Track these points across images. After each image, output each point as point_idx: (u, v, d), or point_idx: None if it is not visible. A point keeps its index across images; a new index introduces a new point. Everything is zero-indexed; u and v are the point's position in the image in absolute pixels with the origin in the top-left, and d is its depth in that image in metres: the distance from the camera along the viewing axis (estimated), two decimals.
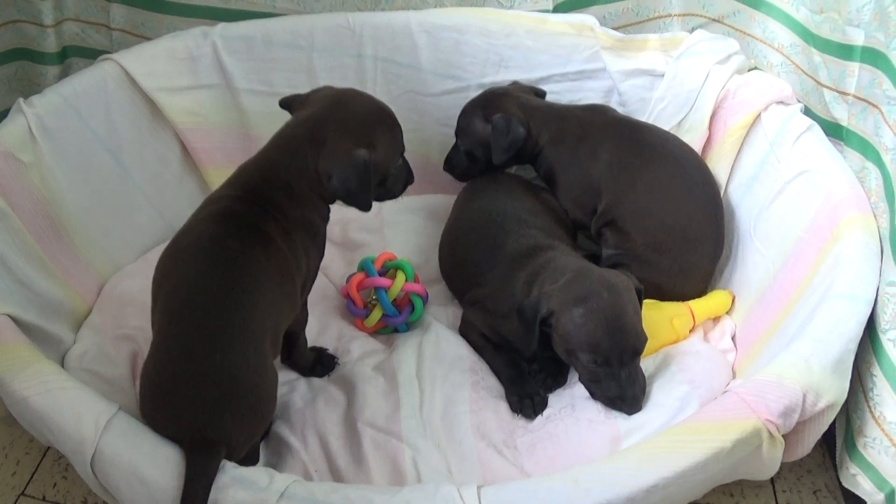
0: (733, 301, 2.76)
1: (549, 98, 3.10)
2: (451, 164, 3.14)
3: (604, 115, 2.96)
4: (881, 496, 2.18)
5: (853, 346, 2.15)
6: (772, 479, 2.55)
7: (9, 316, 2.26)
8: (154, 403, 2.04)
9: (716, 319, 2.78)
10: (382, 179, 2.38)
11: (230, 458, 1.99)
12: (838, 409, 2.14)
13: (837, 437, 2.40)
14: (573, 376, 2.55)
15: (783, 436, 2.07)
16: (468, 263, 2.77)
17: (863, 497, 2.27)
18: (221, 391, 2.00)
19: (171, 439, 1.97)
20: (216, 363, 2.00)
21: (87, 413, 1.95)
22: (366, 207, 2.29)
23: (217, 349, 2.01)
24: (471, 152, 3.03)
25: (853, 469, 2.28)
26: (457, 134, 3.06)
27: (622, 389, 2.38)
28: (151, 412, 2.04)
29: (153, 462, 1.90)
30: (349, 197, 2.25)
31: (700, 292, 2.80)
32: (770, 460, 2.08)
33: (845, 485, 2.33)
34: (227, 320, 2.04)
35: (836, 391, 2.08)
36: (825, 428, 2.18)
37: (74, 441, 1.94)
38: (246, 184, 2.28)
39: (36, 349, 2.17)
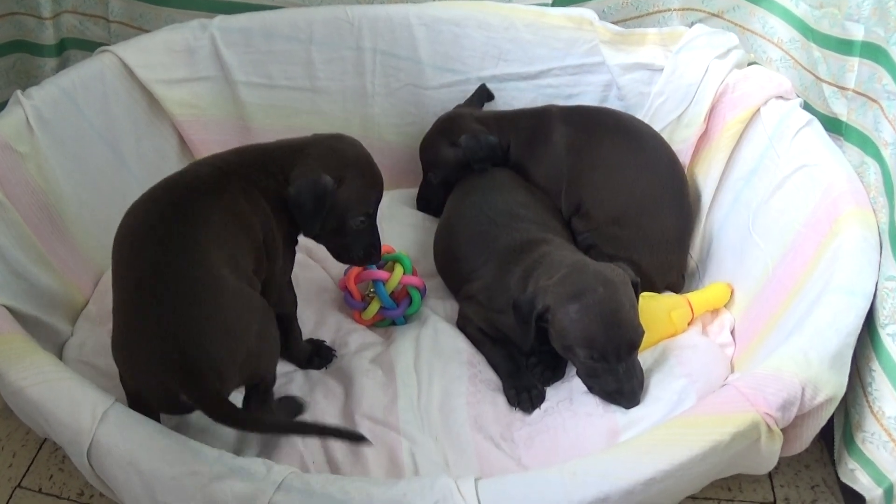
0: (733, 294, 2.76)
1: (548, 92, 3.15)
2: (426, 201, 3.22)
3: (555, 106, 3.05)
4: (879, 491, 2.18)
5: (852, 341, 2.14)
6: (770, 474, 2.54)
7: (5, 307, 2.26)
8: (129, 347, 2.09)
9: (715, 312, 2.78)
10: (340, 223, 2.42)
11: (227, 388, 2.08)
12: (837, 403, 2.13)
13: (836, 432, 2.39)
14: (571, 370, 2.54)
15: (782, 431, 2.07)
16: (462, 258, 2.77)
17: (861, 492, 2.27)
18: (183, 315, 2.02)
19: (162, 383, 1.99)
20: (170, 290, 2.03)
21: (84, 404, 1.95)
22: (308, 229, 2.39)
23: (168, 279, 2.05)
24: (446, 180, 3.08)
25: (851, 464, 2.27)
26: (427, 169, 3.12)
27: (620, 384, 2.37)
28: (130, 359, 2.10)
29: (149, 453, 1.89)
30: (298, 211, 2.32)
31: (676, 265, 2.85)
32: (768, 454, 2.07)
33: (844, 480, 2.32)
34: (171, 249, 2.09)
35: (834, 385, 2.07)
36: (823, 423, 2.17)
37: (71, 431, 1.93)
38: (224, 157, 2.38)
39: (32, 340, 2.17)
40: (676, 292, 2.86)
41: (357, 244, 2.46)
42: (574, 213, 2.91)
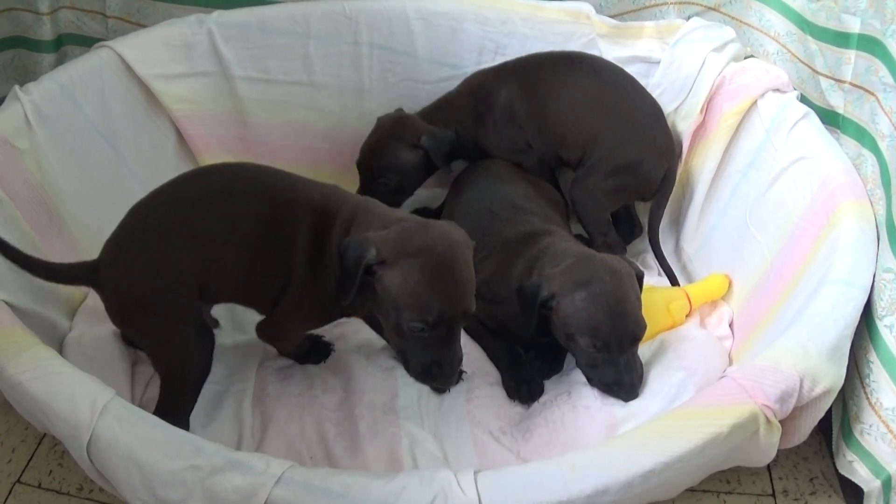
0: (731, 287, 2.77)
1: None
2: None
3: (479, 73, 3.09)
4: (877, 483, 2.19)
5: (850, 332, 2.15)
6: (768, 466, 2.54)
7: (4, 302, 2.26)
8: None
9: (713, 304, 2.79)
10: (395, 318, 2.12)
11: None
12: (835, 395, 2.14)
13: (834, 424, 2.40)
14: (570, 364, 2.55)
15: (780, 423, 2.08)
16: None
17: (859, 484, 2.27)
18: None
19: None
20: None
21: (83, 397, 1.95)
22: (343, 294, 2.15)
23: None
24: (401, 185, 3.03)
25: (850, 456, 2.29)
26: (378, 175, 2.98)
27: (620, 375, 2.38)
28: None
29: (149, 446, 1.89)
30: (340, 272, 2.15)
31: (662, 144, 2.94)
32: (767, 446, 2.08)
33: (842, 472, 2.33)
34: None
35: (832, 377, 2.08)
36: (822, 415, 2.18)
37: (70, 426, 1.93)
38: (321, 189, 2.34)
39: (31, 334, 2.17)
40: (672, 180, 2.97)
41: (414, 355, 2.16)
42: (561, 163, 3.03)
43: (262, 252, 2.24)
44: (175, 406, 2.31)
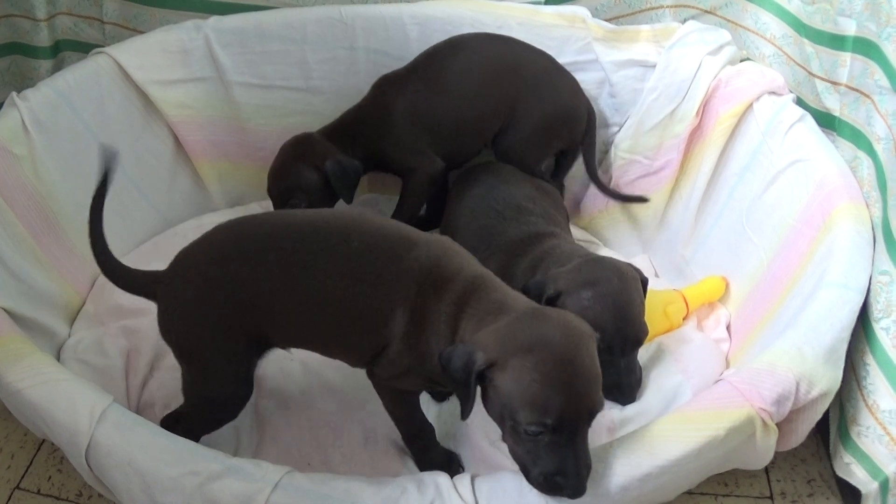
0: (728, 289, 2.78)
1: None
2: None
3: (374, 88, 3.03)
4: (875, 485, 2.19)
5: (846, 335, 2.15)
6: (766, 469, 2.55)
7: (3, 309, 2.27)
8: None
9: (711, 307, 2.80)
10: (511, 421, 1.85)
11: None
12: (832, 397, 2.14)
13: (831, 427, 2.41)
14: None
15: (777, 426, 2.08)
16: (468, 251, 2.75)
17: (857, 486, 2.28)
18: None
19: None
20: None
21: (82, 404, 1.96)
22: (462, 409, 1.90)
23: None
24: (312, 205, 2.93)
25: (847, 458, 2.29)
26: (288, 197, 2.89)
27: (619, 378, 2.39)
28: None
29: (148, 453, 1.90)
30: (449, 381, 1.92)
31: (568, 88, 3.01)
32: (764, 449, 2.08)
33: (839, 474, 2.34)
34: None
35: (829, 379, 2.09)
36: (819, 417, 2.19)
37: (69, 432, 1.94)
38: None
39: (30, 341, 2.18)
40: (594, 119, 3.10)
41: (535, 463, 1.86)
42: (486, 145, 3.07)
43: (346, 316, 2.09)
44: (186, 429, 2.19)
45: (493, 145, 3.05)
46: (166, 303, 2.18)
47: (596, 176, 3.11)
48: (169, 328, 2.19)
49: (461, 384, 1.84)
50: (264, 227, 2.18)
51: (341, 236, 2.09)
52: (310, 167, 2.85)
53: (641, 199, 3.06)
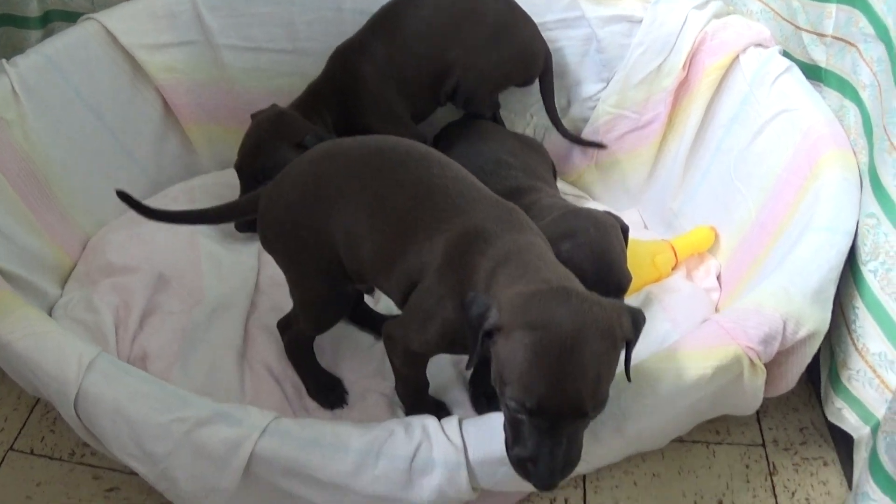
0: (718, 240, 2.80)
1: None
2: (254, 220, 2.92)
3: (336, 56, 3.02)
4: (867, 430, 2.20)
5: (833, 276, 2.17)
6: (758, 417, 2.57)
7: None
8: None
9: (701, 258, 2.82)
10: (500, 388, 1.76)
11: None
12: (820, 339, 2.15)
13: (822, 372, 2.42)
14: None
15: (767, 368, 2.10)
16: None
17: (849, 431, 2.29)
18: None
19: None
20: None
21: (70, 354, 1.97)
22: (469, 358, 1.82)
23: None
24: None
25: (838, 403, 2.30)
26: (266, 175, 2.69)
27: None
28: None
29: (136, 400, 1.91)
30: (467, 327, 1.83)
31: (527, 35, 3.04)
32: (752, 390, 2.10)
33: (831, 419, 2.35)
34: None
35: (816, 320, 2.10)
36: (808, 360, 2.20)
37: (58, 382, 1.95)
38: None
39: (18, 296, 2.19)
40: (551, 58, 3.10)
41: (514, 440, 1.77)
42: (446, 96, 3.06)
43: (397, 240, 2.05)
44: (297, 331, 2.43)
45: (454, 95, 3.05)
46: (265, 212, 2.24)
47: (557, 119, 3.15)
48: (266, 235, 2.27)
49: (472, 333, 1.78)
50: (360, 149, 2.18)
51: (425, 165, 2.10)
52: (289, 144, 2.78)
53: (600, 146, 3.13)
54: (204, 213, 2.43)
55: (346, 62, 2.96)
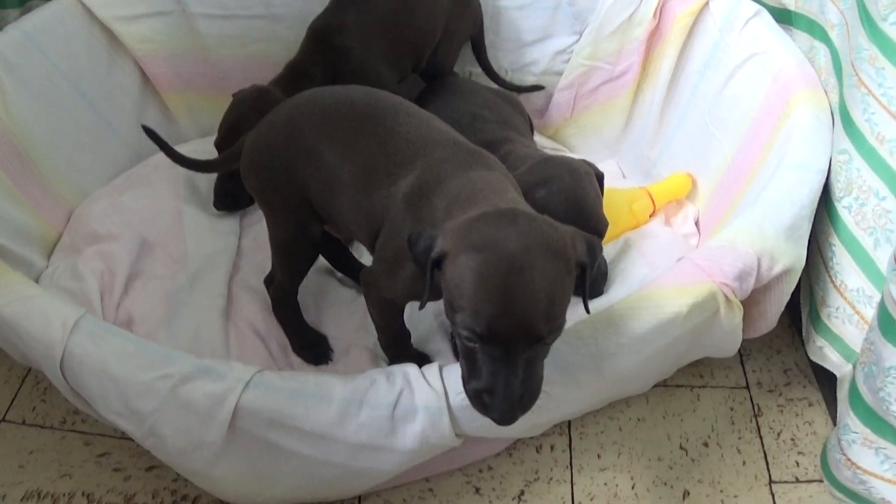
0: (696, 186, 2.82)
1: (502, 4, 3.18)
2: (233, 197, 2.94)
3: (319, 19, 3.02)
4: (849, 367, 2.22)
5: (807, 213, 2.19)
6: (741, 359, 2.60)
7: None
8: None
9: (679, 204, 2.84)
10: (450, 310, 1.72)
11: None
12: (796, 276, 2.18)
13: (802, 311, 2.45)
14: None
15: (745, 307, 2.13)
16: None
17: (831, 369, 2.32)
18: None
19: None
20: None
21: (55, 317, 1.99)
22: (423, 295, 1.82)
23: None
24: None
25: (819, 341, 2.33)
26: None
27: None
28: None
29: (121, 359, 1.93)
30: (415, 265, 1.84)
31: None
32: (730, 328, 2.12)
33: (813, 358, 2.37)
34: None
35: (791, 256, 2.13)
36: (786, 298, 2.23)
37: (43, 345, 1.97)
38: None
39: (4, 264, 2.20)
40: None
41: (469, 373, 1.72)
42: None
43: (363, 185, 2.07)
44: (278, 285, 2.47)
45: (429, 60, 3.10)
46: (247, 153, 2.30)
47: (493, 72, 3.25)
48: (247, 175, 2.32)
49: (422, 269, 1.75)
50: (334, 98, 2.21)
51: (392, 113, 2.11)
52: None
53: (537, 88, 3.21)
54: (209, 162, 2.56)
55: (331, 42, 2.94)
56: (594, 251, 1.77)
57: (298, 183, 2.19)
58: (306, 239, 2.31)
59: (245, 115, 2.79)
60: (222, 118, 2.85)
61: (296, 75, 2.92)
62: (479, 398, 1.68)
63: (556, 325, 1.65)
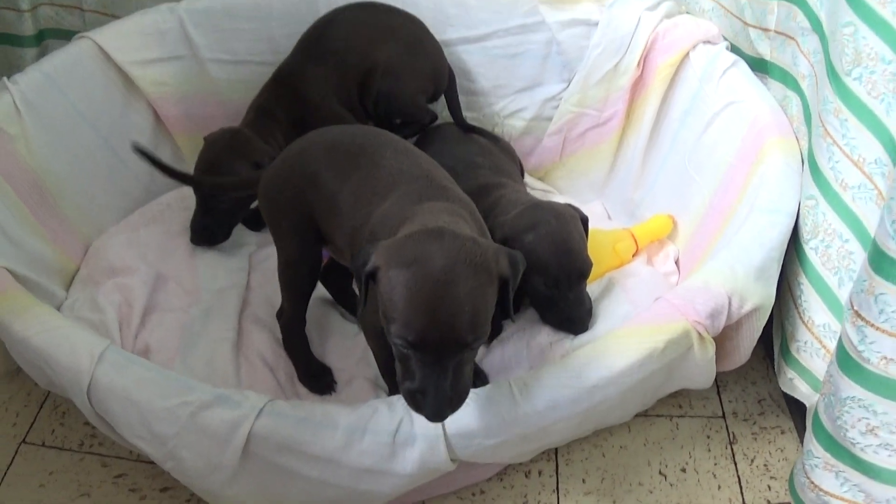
0: (676, 227, 2.93)
1: (494, 53, 3.30)
2: (210, 231, 3.00)
3: (283, 64, 3.17)
4: (817, 397, 2.27)
5: (776, 255, 2.32)
6: (718, 390, 2.71)
7: (5, 268, 2.41)
8: None
9: (661, 244, 2.94)
10: (384, 321, 1.86)
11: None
12: (766, 313, 2.32)
13: (774, 345, 2.57)
14: (528, 311, 2.69)
15: (719, 342, 2.26)
16: None
17: (801, 399, 2.45)
18: None
19: None
20: None
21: (82, 347, 2.11)
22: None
23: None
24: (241, 203, 3.01)
25: (790, 374, 2.45)
26: (225, 192, 2.91)
27: (570, 311, 2.52)
28: None
29: (143, 387, 2.06)
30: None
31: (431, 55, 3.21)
32: (704, 362, 2.25)
33: (784, 389, 2.50)
34: None
35: (760, 295, 2.26)
36: (757, 333, 2.36)
37: (72, 373, 2.09)
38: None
39: (31, 295, 2.33)
40: (453, 73, 3.27)
41: (404, 376, 1.86)
42: (373, 105, 3.21)
43: (352, 213, 2.23)
44: (286, 316, 2.59)
45: (376, 105, 3.19)
46: (263, 183, 2.50)
47: (463, 121, 3.29)
48: (262, 200, 2.53)
49: (359, 282, 1.90)
50: (338, 135, 2.41)
51: (382, 149, 2.30)
52: (247, 163, 2.88)
53: (481, 132, 3.26)
54: (219, 181, 2.79)
55: (294, 88, 3.08)
56: (516, 265, 1.92)
57: (304, 205, 2.36)
58: (309, 259, 2.47)
59: (219, 155, 2.91)
60: (198, 159, 2.95)
61: (264, 117, 3.05)
62: (414, 397, 1.82)
63: (480, 332, 1.80)
